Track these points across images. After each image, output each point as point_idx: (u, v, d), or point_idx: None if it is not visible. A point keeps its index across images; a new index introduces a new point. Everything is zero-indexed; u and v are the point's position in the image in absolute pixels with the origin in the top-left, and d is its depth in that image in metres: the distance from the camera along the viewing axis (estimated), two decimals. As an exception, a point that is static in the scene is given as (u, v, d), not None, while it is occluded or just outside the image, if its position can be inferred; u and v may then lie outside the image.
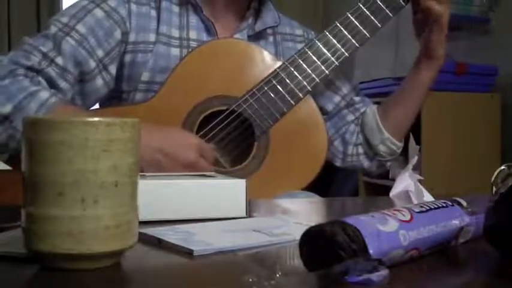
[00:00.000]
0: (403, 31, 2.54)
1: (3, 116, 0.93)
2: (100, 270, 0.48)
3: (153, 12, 1.11)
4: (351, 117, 1.23)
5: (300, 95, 1.08)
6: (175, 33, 1.11)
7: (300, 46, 1.23)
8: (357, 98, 1.25)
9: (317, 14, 3.52)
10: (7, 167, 1.00)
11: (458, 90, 2.37)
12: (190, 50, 1.10)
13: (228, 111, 1.07)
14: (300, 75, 1.08)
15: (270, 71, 1.08)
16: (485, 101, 2.40)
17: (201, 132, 1.07)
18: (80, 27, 1.04)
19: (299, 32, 1.26)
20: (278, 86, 1.07)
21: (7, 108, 0.93)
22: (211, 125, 1.07)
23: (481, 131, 2.38)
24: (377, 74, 2.51)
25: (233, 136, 1.09)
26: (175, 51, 1.10)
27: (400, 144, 1.21)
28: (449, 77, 2.34)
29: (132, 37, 1.08)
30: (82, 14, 1.06)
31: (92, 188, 0.46)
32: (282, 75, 1.07)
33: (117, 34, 1.07)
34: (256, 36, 1.17)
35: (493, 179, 0.67)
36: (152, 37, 1.09)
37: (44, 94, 0.95)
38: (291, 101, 1.08)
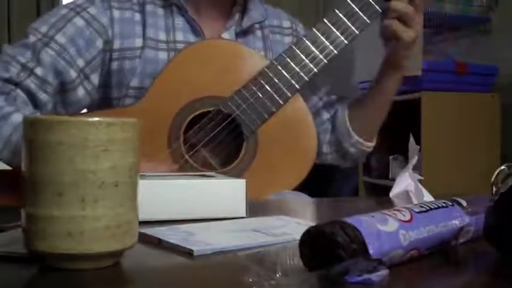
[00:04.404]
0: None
1: None
2: (100, 270, 0.48)
3: (138, 16, 1.10)
4: (326, 115, 1.23)
5: (289, 94, 1.06)
6: (162, 36, 1.10)
7: (287, 39, 1.23)
8: (333, 97, 1.25)
9: (317, 14, 3.52)
10: (7, 167, 1.00)
11: (458, 90, 2.37)
12: (175, 52, 1.09)
13: (214, 111, 1.06)
14: (288, 74, 1.06)
15: (258, 71, 1.07)
16: (485, 101, 2.40)
17: (189, 133, 1.06)
18: (60, 37, 1.03)
19: (287, 24, 1.25)
20: (266, 86, 1.06)
21: None
22: (198, 126, 1.06)
23: (481, 131, 2.38)
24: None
25: (222, 137, 1.08)
26: (162, 55, 1.09)
27: (371, 144, 1.22)
28: (449, 77, 2.34)
29: (116, 44, 1.07)
30: (62, 24, 1.04)
31: (91, 188, 0.46)
32: (270, 74, 1.06)
33: (99, 43, 1.06)
34: (244, 33, 1.17)
35: (493, 179, 0.67)
36: (139, 42, 1.08)
37: (17, 117, 0.94)
38: (280, 101, 1.06)
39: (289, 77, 1.06)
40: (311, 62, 1.07)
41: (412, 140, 0.86)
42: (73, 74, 1.04)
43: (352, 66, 2.64)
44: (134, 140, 0.49)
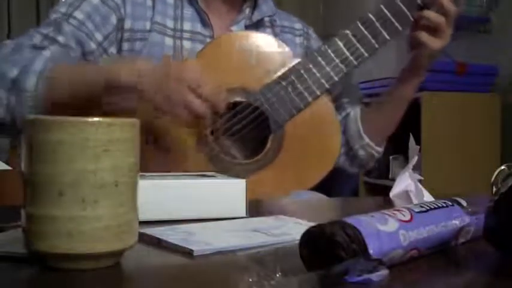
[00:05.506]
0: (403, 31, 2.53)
1: (12, 80, 0.96)
2: (100, 270, 0.48)
3: (149, 2, 1.12)
4: (338, 118, 1.23)
5: (318, 92, 1.07)
6: (170, 23, 1.12)
7: (299, 39, 1.24)
8: (345, 99, 1.25)
9: (317, 14, 3.52)
10: (7, 167, 1.01)
11: (458, 90, 2.37)
12: (181, 40, 1.11)
13: (244, 104, 1.07)
14: (319, 73, 1.07)
15: (288, 66, 1.07)
16: (485, 101, 2.40)
17: (217, 124, 1.07)
18: (78, 14, 1.07)
19: (298, 26, 1.26)
20: (296, 82, 1.06)
21: (14, 72, 0.96)
22: (227, 117, 1.07)
23: (481, 131, 2.38)
24: (377, 73, 2.51)
25: (249, 129, 1.08)
26: (168, 41, 1.11)
27: (380, 149, 1.23)
28: (449, 77, 2.34)
29: (128, 24, 1.10)
30: (78, 2, 1.09)
31: (92, 188, 0.46)
32: (301, 71, 1.07)
33: (113, 19, 1.09)
34: (254, 27, 1.18)
35: (493, 179, 0.67)
36: (148, 25, 1.10)
37: (47, 52, 1.00)
38: (308, 98, 1.07)
39: (319, 76, 1.07)
40: (342, 63, 1.07)
41: (412, 140, 0.86)
42: (93, 45, 1.07)
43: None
44: (134, 140, 0.49)
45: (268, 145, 1.07)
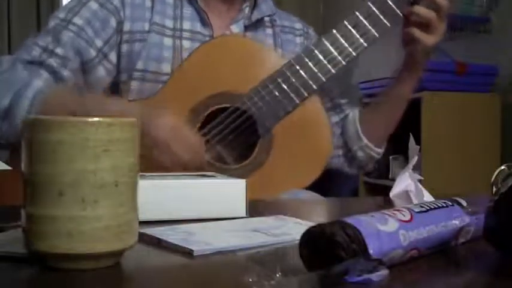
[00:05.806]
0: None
1: (4, 109, 0.97)
2: (100, 270, 0.48)
3: (148, 3, 1.12)
4: (335, 118, 1.23)
5: (305, 94, 1.06)
6: (169, 23, 1.12)
7: (299, 39, 1.24)
8: (343, 100, 1.24)
9: (317, 14, 3.52)
10: (7, 167, 1.01)
11: (458, 90, 2.37)
12: (181, 39, 1.11)
13: (232, 108, 1.06)
14: (306, 74, 1.06)
15: (276, 69, 1.07)
16: (485, 101, 2.40)
17: (205, 129, 1.06)
18: (77, 20, 1.07)
19: (298, 26, 1.26)
20: (283, 84, 1.06)
21: (6, 102, 0.97)
22: (215, 122, 1.07)
23: (481, 131, 2.38)
24: (377, 74, 2.51)
25: (237, 133, 1.08)
26: (168, 41, 1.11)
27: (380, 150, 1.22)
28: (449, 77, 2.34)
29: (127, 26, 1.10)
30: (78, 8, 1.09)
31: (92, 188, 0.46)
32: (288, 73, 1.06)
33: (113, 22, 1.09)
34: (254, 27, 1.18)
35: (493, 179, 0.67)
36: (147, 26, 1.10)
37: (38, 82, 1.00)
38: (296, 100, 1.06)
39: (306, 77, 1.06)
40: (329, 63, 1.06)
41: (412, 140, 0.86)
42: (93, 52, 1.07)
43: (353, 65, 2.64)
44: (134, 140, 0.49)
45: (257, 149, 1.07)
